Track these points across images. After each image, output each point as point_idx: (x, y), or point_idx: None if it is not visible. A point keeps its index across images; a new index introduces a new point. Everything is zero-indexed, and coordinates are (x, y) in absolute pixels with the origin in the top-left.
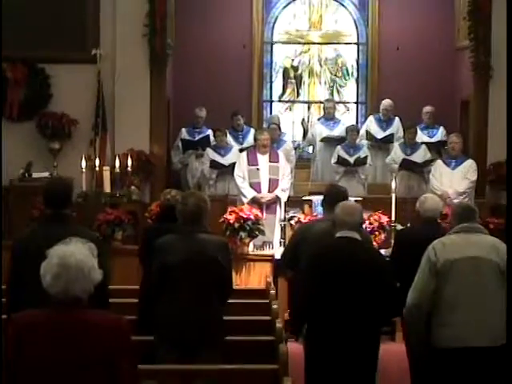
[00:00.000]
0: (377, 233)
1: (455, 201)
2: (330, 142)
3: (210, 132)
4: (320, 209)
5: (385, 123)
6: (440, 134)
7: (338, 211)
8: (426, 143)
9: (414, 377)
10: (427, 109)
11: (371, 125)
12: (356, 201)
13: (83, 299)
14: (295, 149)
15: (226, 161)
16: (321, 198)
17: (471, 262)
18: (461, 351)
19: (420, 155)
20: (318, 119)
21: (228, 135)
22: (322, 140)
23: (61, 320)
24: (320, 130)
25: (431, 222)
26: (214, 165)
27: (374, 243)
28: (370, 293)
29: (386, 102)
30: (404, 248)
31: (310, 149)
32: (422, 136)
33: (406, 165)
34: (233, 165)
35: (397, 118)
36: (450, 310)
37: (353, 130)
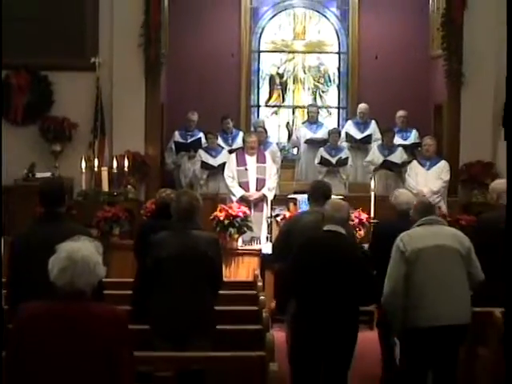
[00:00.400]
0: (357, 229)
1: (430, 199)
2: (313, 143)
3: (201, 135)
4: (304, 206)
5: (362, 125)
6: (413, 136)
7: (327, 207)
8: (402, 145)
9: (386, 358)
10: (400, 113)
11: (350, 128)
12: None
13: (87, 292)
14: (281, 150)
15: (216, 162)
16: (305, 196)
17: (436, 249)
18: (432, 330)
19: (397, 156)
20: (303, 123)
21: (218, 137)
22: (305, 142)
23: (65, 311)
24: (304, 133)
25: (405, 215)
26: (205, 166)
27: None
28: (350, 281)
29: (362, 106)
30: (380, 239)
31: (295, 150)
32: (396, 139)
33: (386, 165)
34: (222, 165)
35: (373, 121)
36: (421, 293)
37: (335, 133)
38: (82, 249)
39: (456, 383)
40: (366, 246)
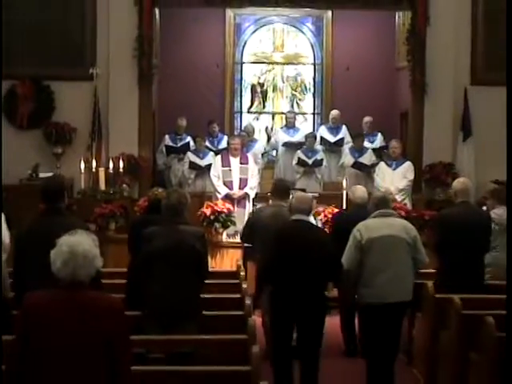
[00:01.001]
0: (330, 223)
1: (396, 196)
2: (290, 146)
3: (189, 139)
4: None
5: (334, 130)
6: (379, 140)
7: (294, 200)
8: (368, 148)
9: (347, 333)
10: (366, 119)
11: (323, 132)
12: (314, 196)
13: (86, 282)
14: (262, 154)
15: (203, 163)
16: None
17: (387, 239)
18: (381, 306)
19: (367, 158)
20: (281, 127)
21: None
22: (283, 145)
23: (67, 299)
24: (282, 137)
25: (360, 207)
26: (193, 166)
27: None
28: (317, 260)
29: (334, 112)
30: (339, 227)
31: (274, 152)
32: (364, 142)
33: (356, 166)
34: (209, 166)
35: (344, 126)
36: (372, 274)
37: (311, 137)
38: (82, 243)
39: (399, 347)
40: None
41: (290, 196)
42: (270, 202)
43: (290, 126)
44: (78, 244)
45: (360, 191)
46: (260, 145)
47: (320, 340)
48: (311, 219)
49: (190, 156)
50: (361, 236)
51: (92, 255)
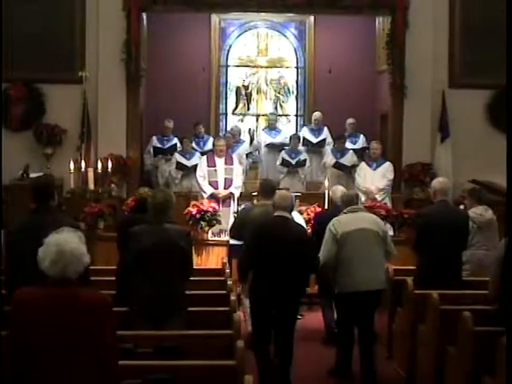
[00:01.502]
0: (313, 221)
1: (377, 196)
2: (272, 147)
3: (176, 140)
4: None
5: (316, 131)
6: (361, 141)
7: (276, 197)
8: (351, 149)
9: (327, 321)
10: (350, 120)
11: (305, 133)
12: (296, 196)
13: (74, 279)
14: (247, 155)
15: (190, 163)
16: None
17: (360, 232)
18: (356, 294)
19: (348, 159)
20: (263, 129)
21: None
22: (266, 146)
23: (56, 296)
24: (264, 138)
25: (338, 206)
26: (180, 166)
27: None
28: (296, 253)
29: (317, 114)
30: (321, 226)
31: (257, 153)
32: (347, 143)
33: (338, 166)
34: (195, 166)
35: (325, 127)
36: (348, 265)
37: (295, 138)
38: (69, 241)
39: (374, 335)
40: None
41: None
42: (255, 201)
43: (271, 127)
44: (66, 243)
45: (339, 192)
46: (245, 146)
47: (294, 325)
48: (297, 216)
49: (177, 157)
50: (336, 231)
51: (79, 253)
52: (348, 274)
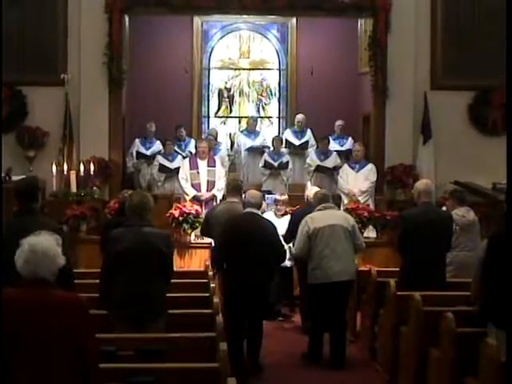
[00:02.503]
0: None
1: (359, 198)
2: (252, 150)
3: (159, 144)
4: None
5: (299, 133)
6: (349, 143)
7: (247, 195)
8: (338, 151)
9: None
10: (338, 122)
11: (288, 135)
12: (276, 198)
13: (50, 280)
14: (229, 156)
15: (172, 165)
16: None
17: (331, 228)
18: (327, 284)
19: (331, 161)
20: (241, 131)
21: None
22: (246, 150)
23: (30, 298)
24: (244, 141)
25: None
26: (162, 169)
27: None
28: (264, 243)
29: (300, 116)
30: (296, 221)
31: (237, 156)
32: (334, 145)
33: (319, 170)
34: (178, 169)
35: (309, 129)
36: (319, 258)
37: (277, 140)
38: (43, 241)
39: (345, 323)
40: None
41: (242, 193)
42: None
43: (250, 130)
44: (38, 243)
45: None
46: (224, 148)
47: (265, 313)
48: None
49: (160, 159)
50: (308, 226)
51: (52, 253)
52: (319, 267)
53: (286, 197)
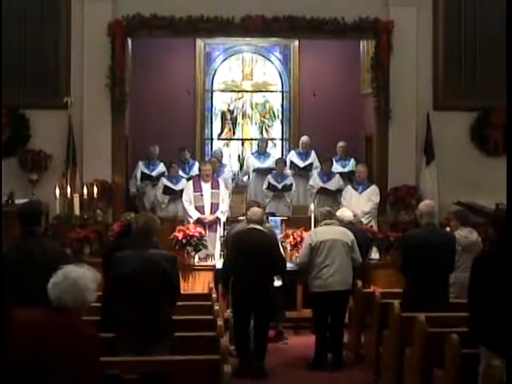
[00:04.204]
0: (299, 246)
1: (362, 219)
2: (261, 172)
3: (162, 166)
4: None
5: (304, 155)
6: (351, 164)
7: (249, 212)
8: (340, 172)
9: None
10: (341, 144)
11: (293, 157)
12: (282, 220)
13: (71, 311)
14: (232, 179)
15: (177, 187)
16: None
17: (331, 241)
18: (326, 293)
19: (335, 182)
20: (252, 153)
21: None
22: (254, 171)
23: (43, 321)
24: (253, 163)
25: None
26: (167, 191)
27: (296, 253)
28: (267, 259)
29: (304, 138)
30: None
31: (245, 178)
32: (336, 166)
33: (322, 192)
34: (182, 191)
35: (313, 151)
36: (320, 269)
37: (281, 162)
38: (77, 271)
39: (344, 324)
40: None
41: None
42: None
43: (260, 152)
44: (72, 271)
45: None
46: (228, 169)
47: (268, 319)
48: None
49: (164, 181)
50: (312, 239)
51: (83, 283)
52: (320, 277)
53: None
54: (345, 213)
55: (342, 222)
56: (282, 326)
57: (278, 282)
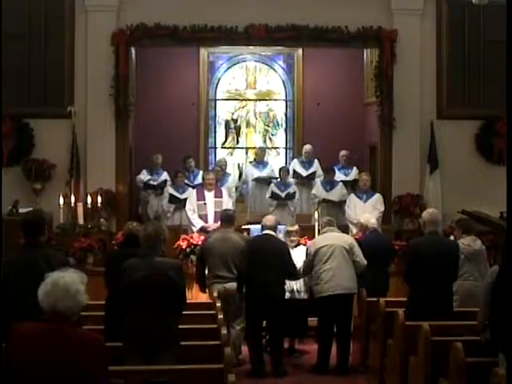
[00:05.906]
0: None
1: None
2: (259, 181)
3: (166, 174)
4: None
5: (307, 164)
6: (354, 173)
7: (264, 220)
8: (343, 181)
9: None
10: (343, 152)
11: (296, 166)
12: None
13: (69, 317)
14: (236, 188)
15: (182, 196)
16: (257, 226)
17: (328, 247)
18: (331, 296)
19: (337, 192)
20: (250, 162)
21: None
22: (253, 180)
23: (47, 332)
24: (252, 172)
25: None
26: (172, 200)
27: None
28: (279, 263)
29: (308, 147)
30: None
31: (245, 187)
32: (339, 175)
33: (325, 201)
34: (186, 199)
35: (316, 160)
36: (324, 273)
37: (284, 171)
38: (65, 277)
39: (350, 331)
40: None
41: (235, 222)
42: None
43: (259, 161)
44: (60, 278)
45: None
46: (232, 179)
47: (283, 323)
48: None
49: (170, 190)
50: (310, 250)
51: (74, 289)
52: (323, 280)
53: (297, 227)
54: (370, 219)
55: (367, 229)
56: (298, 341)
57: (302, 295)
